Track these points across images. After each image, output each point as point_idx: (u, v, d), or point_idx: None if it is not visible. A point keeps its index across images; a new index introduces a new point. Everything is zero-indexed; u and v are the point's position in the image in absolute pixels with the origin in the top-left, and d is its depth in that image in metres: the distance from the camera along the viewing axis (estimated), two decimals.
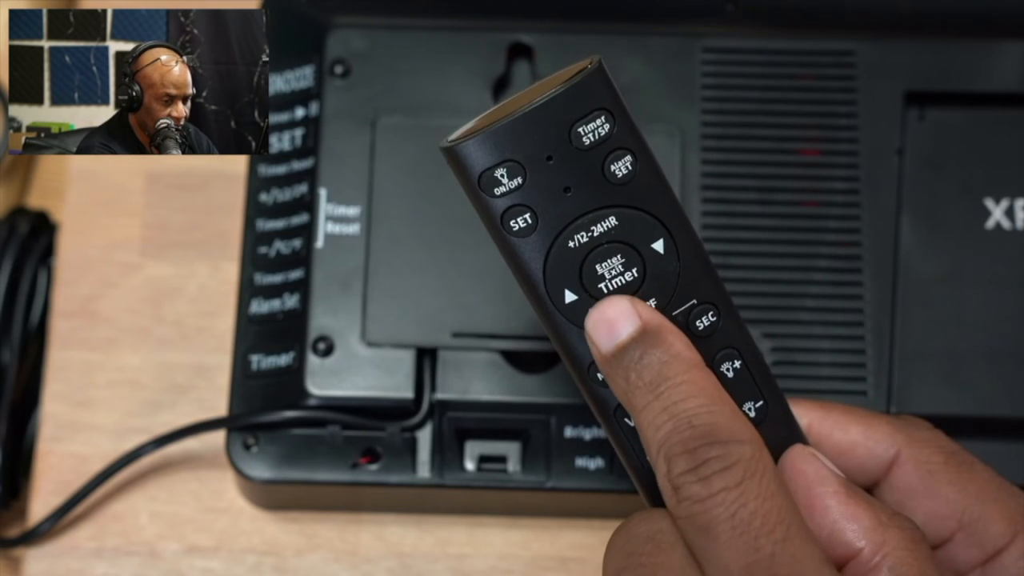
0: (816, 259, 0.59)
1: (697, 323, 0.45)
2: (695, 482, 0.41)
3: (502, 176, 0.43)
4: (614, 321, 0.44)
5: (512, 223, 0.43)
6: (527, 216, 0.43)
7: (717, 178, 0.59)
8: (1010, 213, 0.59)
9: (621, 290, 0.44)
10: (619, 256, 0.44)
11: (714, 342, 0.45)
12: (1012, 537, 0.46)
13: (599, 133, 0.43)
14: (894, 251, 0.59)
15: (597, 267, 0.44)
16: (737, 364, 0.45)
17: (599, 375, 0.45)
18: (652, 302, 0.44)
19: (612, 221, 0.44)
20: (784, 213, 0.59)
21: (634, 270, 0.44)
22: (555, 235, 0.44)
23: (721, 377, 0.45)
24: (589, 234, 0.44)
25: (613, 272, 0.44)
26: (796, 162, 0.60)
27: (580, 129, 0.43)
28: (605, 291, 0.44)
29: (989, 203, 0.59)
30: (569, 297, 0.44)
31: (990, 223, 0.59)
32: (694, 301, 0.44)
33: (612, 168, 0.43)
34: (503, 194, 0.43)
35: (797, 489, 0.44)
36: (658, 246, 0.44)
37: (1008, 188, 0.59)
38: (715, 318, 0.45)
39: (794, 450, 0.45)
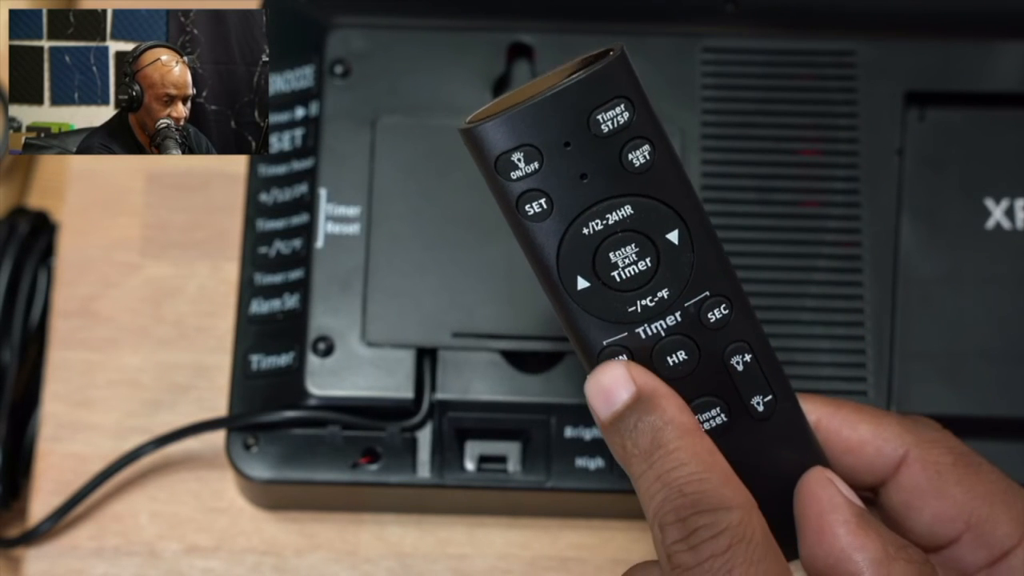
0: (816, 259, 0.59)
1: (709, 315, 0.44)
2: (685, 550, 0.42)
3: (519, 160, 0.43)
4: (610, 389, 0.44)
5: (527, 207, 0.43)
6: (542, 201, 0.43)
7: (717, 178, 0.59)
8: (1010, 213, 0.59)
9: (634, 279, 0.44)
10: (633, 245, 0.44)
11: (725, 335, 0.45)
12: (1020, 539, 0.46)
13: (618, 121, 0.43)
14: (894, 251, 0.59)
15: (611, 255, 0.44)
16: (748, 358, 0.45)
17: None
18: (664, 292, 0.44)
19: (628, 210, 0.43)
20: (784, 213, 0.59)
21: (648, 259, 0.44)
22: (569, 221, 0.43)
23: (731, 370, 0.45)
24: (604, 222, 0.43)
25: (627, 261, 0.44)
26: (796, 162, 0.60)
27: (599, 116, 0.43)
28: (618, 279, 0.44)
29: (989, 203, 0.59)
30: (581, 284, 0.44)
31: (990, 223, 0.59)
32: (707, 293, 0.44)
33: (630, 157, 0.43)
34: (519, 178, 0.43)
35: (810, 514, 0.44)
36: (673, 237, 0.44)
37: (1008, 188, 0.59)
38: (727, 311, 0.45)
39: (812, 473, 0.46)
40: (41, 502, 0.61)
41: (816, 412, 0.48)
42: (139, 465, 0.61)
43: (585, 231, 0.43)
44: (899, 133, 0.60)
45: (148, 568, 0.60)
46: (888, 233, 0.59)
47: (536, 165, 0.43)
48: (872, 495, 0.48)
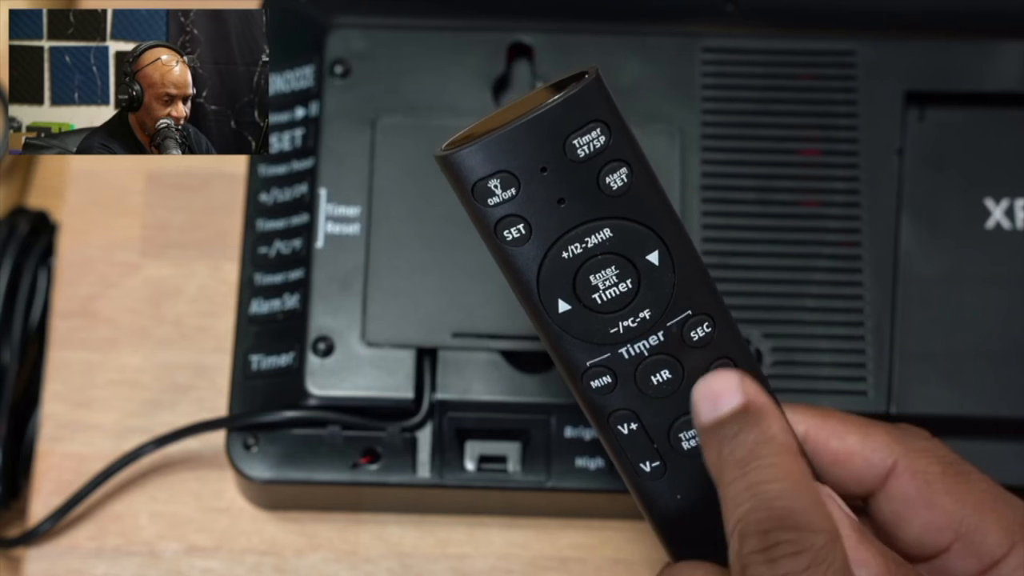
0: (816, 259, 0.59)
1: (692, 334, 0.45)
2: (762, 563, 0.41)
3: (496, 187, 0.43)
4: (720, 394, 0.43)
5: (505, 233, 0.43)
6: (520, 227, 0.43)
7: (717, 178, 0.59)
8: (1010, 213, 0.59)
9: (615, 301, 0.44)
10: (613, 267, 0.44)
11: (709, 352, 0.45)
12: (1009, 547, 0.46)
13: (594, 145, 0.43)
14: (894, 251, 0.59)
15: (591, 278, 0.44)
16: None
17: (592, 383, 0.45)
18: (647, 312, 0.44)
19: (607, 233, 0.43)
20: (784, 213, 0.59)
21: (628, 281, 0.44)
22: (548, 246, 0.43)
23: None
24: (583, 245, 0.43)
25: (607, 283, 0.44)
26: (796, 162, 0.60)
27: (575, 141, 0.42)
28: (599, 301, 0.44)
29: (989, 203, 0.59)
30: (563, 307, 0.44)
31: (990, 223, 0.59)
32: (689, 312, 0.44)
33: (607, 180, 0.43)
34: (496, 204, 0.43)
35: None
36: (653, 258, 0.44)
37: (1008, 188, 0.59)
38: (710, 328, 0.45)
39: None
40: (41, 502, 0.61)
41: (803, 423, 0.47)
42: (139, 465, 0.61)
43: (564, 255, 0.43)
44: (899, 133, 0.60)
45: (148, 568, 0.60)
46: (888, 233, 0.59)
47: (513, 191, 0.43)
48: (862, 505, 0.48)
